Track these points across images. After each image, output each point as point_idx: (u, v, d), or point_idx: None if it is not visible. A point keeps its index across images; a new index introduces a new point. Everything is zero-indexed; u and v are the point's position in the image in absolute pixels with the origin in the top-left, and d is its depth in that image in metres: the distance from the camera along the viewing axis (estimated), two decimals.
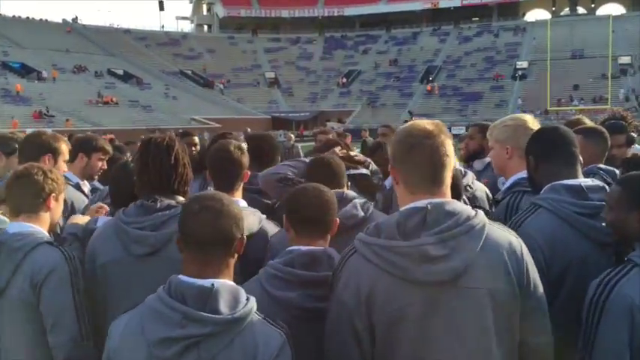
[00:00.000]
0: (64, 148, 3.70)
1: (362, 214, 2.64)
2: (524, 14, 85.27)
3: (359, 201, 2.72)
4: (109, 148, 4.22)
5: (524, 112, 55.12)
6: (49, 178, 2.58)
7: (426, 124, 1.91)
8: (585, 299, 2.11)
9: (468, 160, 5.03)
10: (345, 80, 73.18)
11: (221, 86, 70.35)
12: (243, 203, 2.86)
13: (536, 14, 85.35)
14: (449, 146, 1.90)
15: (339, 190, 2.75)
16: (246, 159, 2.93)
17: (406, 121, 6.42)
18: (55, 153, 3.61)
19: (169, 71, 70.77)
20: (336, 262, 2.06)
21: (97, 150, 4.06)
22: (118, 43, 73.68)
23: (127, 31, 79.66)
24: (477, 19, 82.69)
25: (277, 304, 2.09)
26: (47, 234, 2.58)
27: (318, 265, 2.18)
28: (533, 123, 2.93)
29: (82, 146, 4.00)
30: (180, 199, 2.50)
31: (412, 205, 1.86)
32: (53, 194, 2.60)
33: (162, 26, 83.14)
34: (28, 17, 73.65)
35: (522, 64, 66.52)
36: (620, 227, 2.28)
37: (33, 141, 3.67)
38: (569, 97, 56.71)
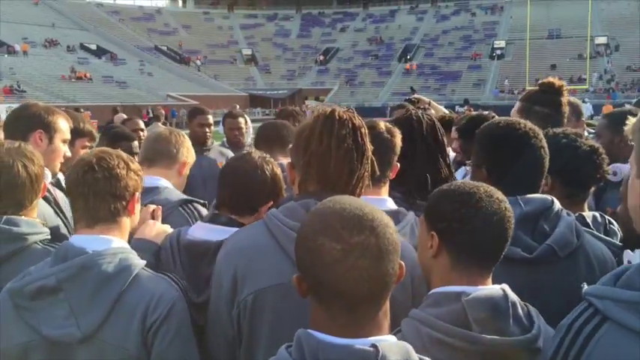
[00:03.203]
0: (62, 124, 2.77)
1: (576, 240, 1.87)
2: None
3: (569, 217, 1.92)
4: (95, 131, 3.53)
5: (503, 92, 55.60)
6: (132, 170, 1.86)
7: None
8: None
9: None
10: (322, 58, 72.43)
11: (198, 62, 69.04)
12: (391, 203, 2.10)
13: None
14: None
15: (536, 194, 1.90)
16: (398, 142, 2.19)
17: (411, 99, 5.84)
18: (49, 129, 2.70)
19: (144, 47, 69.01)
20: (521, 311, 1.48)
21: (83, 134, 3.23)
22: (90, 16, 71.47)
23: (100, 5, 77.35)
24: None
25: None
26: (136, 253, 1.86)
27: (503, 318, 1.47)
28: None
29: None
30: None
31: None
32: (137, 193, 1.89)
33: None
34: None
35: (500, 43, 66.52)
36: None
37: (20, 115, 2.77)
38: (546, 77, 56.85)
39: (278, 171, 2.16)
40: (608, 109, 35.64)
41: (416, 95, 5.95)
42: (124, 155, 1.89)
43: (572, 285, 1.66)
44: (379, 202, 2.04)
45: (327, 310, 1.21)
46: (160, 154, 2.72)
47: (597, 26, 62.73)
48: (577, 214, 2.22)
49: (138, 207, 1.94)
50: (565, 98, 2.93)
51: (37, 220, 2.13)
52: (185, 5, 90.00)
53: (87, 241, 1.77)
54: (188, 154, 2.76)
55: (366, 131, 1.77)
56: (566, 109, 2.93)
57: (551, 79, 2.99)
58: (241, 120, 5.55)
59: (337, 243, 1.16)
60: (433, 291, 1.55)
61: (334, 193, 1.51)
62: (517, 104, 3.00)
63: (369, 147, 1.78)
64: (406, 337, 1.44)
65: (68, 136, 2.81)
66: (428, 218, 1.61)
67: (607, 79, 55.44)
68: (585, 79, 51.50)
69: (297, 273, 1.27)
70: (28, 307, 1.72)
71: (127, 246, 1.85)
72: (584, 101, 34.49)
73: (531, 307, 1.56)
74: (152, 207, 2.33)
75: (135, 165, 1.90)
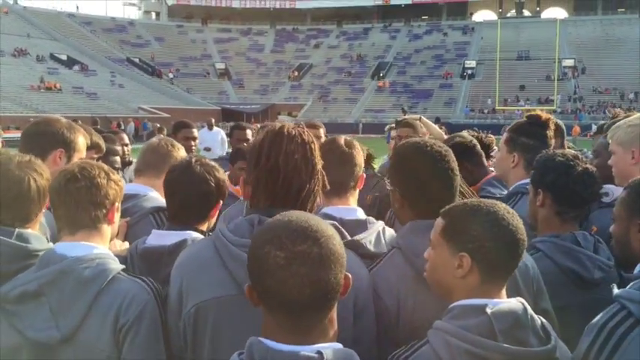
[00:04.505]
0: (82, 142, 2.80)
1: None
2: (471, 14, 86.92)
3: None
4: (103, 144, 3.50)
5: (473, 111, 56.56)
6: (112, 180, 1.94)
7: None
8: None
9: None
10: (296, 74, 72.79)
11: (171, 75, 68.70)
12: (360, 213, 2.14)
13: (484, 15, 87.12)
14: None
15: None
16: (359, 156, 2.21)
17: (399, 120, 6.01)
18: (69, 148, 2.71)
19: (116, 58, 68.45)
20: (537, 323, 1.55)
21: (90, 147, 3.19)
22: (62, 27, 70.69)
23: (71, 15, 76.58)
24: (426, 17, 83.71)
25: None
26: (116, 258, 1.95)
27: (524, 329, 1.53)
28: None
29: None
30: None
31: None
32: (117, 203, 1.98)
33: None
34: None
35: (471, 63, 67.85)
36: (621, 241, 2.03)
37: (42, 130, 2.74)
38: (515, 98, 58.22)
39: (221, 175, 2.22)
40: (575, 130, 36.32)
41: (407, 116, 6.22)
42: (105, 166, 1.98)
43: None
44: (348, 212, 2.11)
45: (274, 316, 1.30)
46: (147, 165, 2.76)
47: (565, 49, 64.45)
48: (569, 233, 2.28)
49: (117, 216, 2.02)
50: (551, 131, 3.01)
51: (41, 234, 2.16)
52: (158, 18, 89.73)
53: (68, 248, 1.85)
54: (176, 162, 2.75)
55: (316, 146, 1.79)
56: (552, 141, 3.01)
57: (538, 111, 3.10)
58: (249, 132, 5.49)
59: (281, 251, 1.25)
60: (456, 304, 1.58)
61: (283, 209, 1.57)
62: (505, 135, 3.07)
63: (319, 161, 1.80)
64: (435, 348, 1.51)
65: (84, 154, 2.82)
66: (454, 239, 1.61)
67: (574, 99, 56.87)
68: (553, 100, 52.67)
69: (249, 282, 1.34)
70: (13, 311, 1.80)
71: (107, 252, 1.92)
72: None
73: (544, 320, 1.60)
74: (124, 220, 2.43)
75: (115, 176, 1.97)
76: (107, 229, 1.96)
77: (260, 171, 1.75)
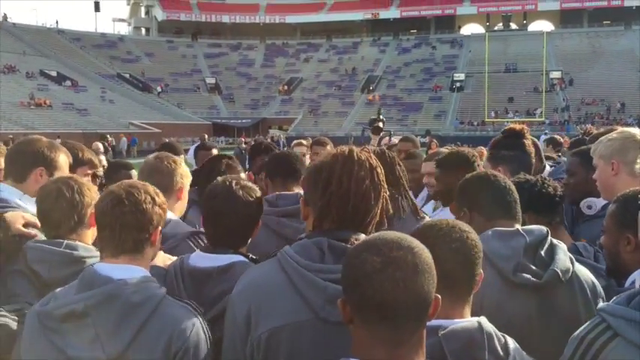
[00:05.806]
0: (63, 160, 2.89)
1: (571, 266, 2.03)
2: (459, 28, 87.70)
3: (562, 244, 2.11)
4: (96, 160, 3.51)
5: (462, 123, 56.98)
6: (157, 205, 1.93)
7: None
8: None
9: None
10: (286, 88, 73.03)
11: (159, 89, 68.69)
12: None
13: (471, 28, 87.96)
14: None
15: (534, 225, 2.12)
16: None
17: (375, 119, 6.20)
18: (50, 166, 2.80)
19: (106, 74, 68.32)
20: (497, 342, 1.54)
21: (83, 163, 3.30)
22: (51, 43, 70.50)
23: (61, 32, 76.46)
24: (414, 31, 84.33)
25: None
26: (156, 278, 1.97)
27: (479, 349, 1.54)
28: None
29: None
30: (363, 236, 1.74)
31: None
32: (160, 226, 1.98)
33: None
34: None
35: (459, 76, 68.33)
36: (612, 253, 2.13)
37: (22, 150, 2.87)
38: (504, 110, 58.69)
39: (259, 193, 2.24)
40: (566, 143, 36.64)
41: (381, 117, 6.49)
42: (151, 189, 1.97)
43: (572, 308, 1.79)
44: None
45: (369, 329, 1.28)
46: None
47: (552, 61, 65.16)
48: (571, 244, 2.39)
49: (160, 237, 2.03)
50: (528, 140, 3.18)
51: (91, 246, 2.28)
52: (149, 33, 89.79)
53: (112, 269, 1.85)
54: (182, 179, 2.78)
55: (382, 170, 1.82)
56: (532, 149, 3.19)
57: (512, 125, 3.30)
58: (214, 152, 5.44)
59: (377, 256, 1.28)
60: None
61: (348, 231, 1.66)
62: (487, 153, 3.28)
63: (385, 186, 1.83)
64: None
65: (67, 172, 2.87)
66: None
67: (561, 109, 57.41)
68: (541, 112, 53.16)
69: (342, 296, 1.36)
70: (56, 329, 1.80)
71: (148, 275, 1.93)
72: (545, 133, 35.55)
73: (509, 338, 1.61)
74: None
75: (160, 199, 1.98)
76: (149, 251, 1.97)
77: (332, 196, 1.76)
